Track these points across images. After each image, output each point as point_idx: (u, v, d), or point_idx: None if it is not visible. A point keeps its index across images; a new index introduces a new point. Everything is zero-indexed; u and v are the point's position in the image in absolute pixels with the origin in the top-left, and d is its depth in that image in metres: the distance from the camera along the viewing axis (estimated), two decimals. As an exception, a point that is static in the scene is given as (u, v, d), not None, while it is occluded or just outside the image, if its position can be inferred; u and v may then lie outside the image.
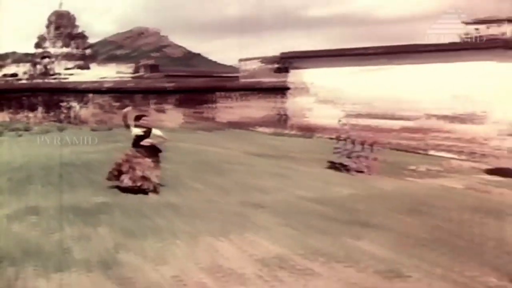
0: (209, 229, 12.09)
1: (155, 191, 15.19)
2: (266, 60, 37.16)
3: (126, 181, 15.13)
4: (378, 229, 13.58)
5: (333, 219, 13.89)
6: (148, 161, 14.18)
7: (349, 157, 22.96)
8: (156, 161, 13.78)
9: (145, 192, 15.02)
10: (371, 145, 23.63)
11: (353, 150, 23.18)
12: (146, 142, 13.77)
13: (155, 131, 13.53)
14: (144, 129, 13.70)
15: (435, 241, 13.15)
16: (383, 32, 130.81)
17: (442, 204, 16.88)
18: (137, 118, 14.54)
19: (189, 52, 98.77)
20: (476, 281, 10.30)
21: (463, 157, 30.27)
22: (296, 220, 13.32)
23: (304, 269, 9.91)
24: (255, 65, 37.25)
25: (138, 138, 13.90)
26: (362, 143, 23.47)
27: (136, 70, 47.16)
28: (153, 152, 13.83)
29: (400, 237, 13.19)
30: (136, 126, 14.69)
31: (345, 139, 23.91)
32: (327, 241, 11.83)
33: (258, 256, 10.54)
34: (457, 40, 37.75)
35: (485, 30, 45.50)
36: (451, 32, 36.85)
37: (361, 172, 22.07)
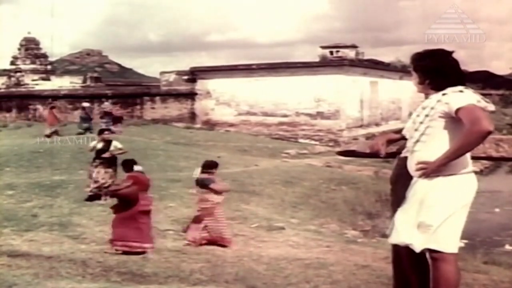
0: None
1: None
2: (180, 72, 37.15)
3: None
4: (262, 196, 13.83)
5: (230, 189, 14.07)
6: (109, 171, 12.90)
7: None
8: (115, 170, 12.62)
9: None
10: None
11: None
12: (107, 154, 12.73)
13: (115, 143, 12.67)
14: (104, 143, 12.73)
15: (302, 203, 13.50)
16: (263, 53, 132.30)
17: (307, 177, 17.26)
18: (100, 132, 13.42)
19: (123, 67, 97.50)
20: (330, 231, 10.66)
21: (323, 143, 30.94)
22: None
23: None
24: (172, 77, 37.19)
25: (100, 151, 12.68)
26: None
27: (84, 81, 46.82)
28: (112, 162, 12.71)
29: (277, 201, 13.47)
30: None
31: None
32: (226, 205, 11.96)
33: (174, 217, 10.66)
34: (316, 59, 38.65)
35: (335, 53, 46.68)
36: (314, 53, 37.66)
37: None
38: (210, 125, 34.74)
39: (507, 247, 9.11)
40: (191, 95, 36.36)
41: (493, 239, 10.86)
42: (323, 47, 48.35)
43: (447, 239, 3.64)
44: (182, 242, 8.64)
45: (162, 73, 38.73)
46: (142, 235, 7.90)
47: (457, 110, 3.54)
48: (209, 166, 8.96)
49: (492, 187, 16.67)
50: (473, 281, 6.30)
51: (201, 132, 31.24)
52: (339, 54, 45.65)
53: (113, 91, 35.24)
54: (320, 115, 33.29)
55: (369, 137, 32.11)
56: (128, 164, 8.62)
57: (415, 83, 4.04)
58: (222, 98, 35.70)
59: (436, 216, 3.62)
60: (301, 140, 31.75)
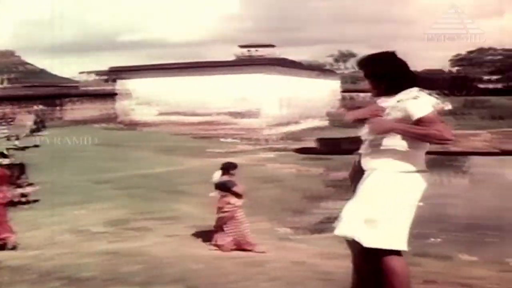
0: (69, 201, 11.77)
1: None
2: (99, 73, 36.63)
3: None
4: (191, 195, 13.71)
5: (159, 189, 13.90)
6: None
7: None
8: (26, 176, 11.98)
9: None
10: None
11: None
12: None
13: None
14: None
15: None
16: (175, 52, 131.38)
17: (233, 175, 17.22)
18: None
19: (37, 68, 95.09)
20: (262, 228, 10.68)
21: (245, 141, 30.95)
22: (132, 191, 13.23)
23: (141, 227, 9.89)
24: (91, 77, 36.60)
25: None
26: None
27: (1, 82, 45.60)
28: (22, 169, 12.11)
29: (207, 201, 13.29)
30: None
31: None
32: (156, 205, 11.86)
33: (106, 219, 10.42)
34: (230, 58, 38.86)
35: (254, 52, 46.90)
36: (228, 52, 37.98)
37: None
38: (131, 125, 34.30)
39: (432, 239, 9.38)
40: (111, 96, 35.82)
41: (420, 233, 11.12)
42: (242, 46, 48.61)
43: (395, 236, 3.63)
44: (117, 244, 8.45)
45: (81, 73, 38.07)
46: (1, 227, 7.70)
47: (417, 120, 3.55)
48: (229, 168, 8.69)
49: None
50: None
51: (122, 132, 30.79)
52: (258, 53, 45.94)
53: (33, 92, 34.25)
54: (240, 114, 33.42)
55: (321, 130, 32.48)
56: None
57: (368, 88, 4.02)
58: (143, 98, 35.32)
59: (383, 212, 3.62)
60: (222, 139, 31.69)
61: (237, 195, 8.42)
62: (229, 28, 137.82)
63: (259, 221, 11.36)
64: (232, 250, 8.25)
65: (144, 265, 7.17)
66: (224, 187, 8.45)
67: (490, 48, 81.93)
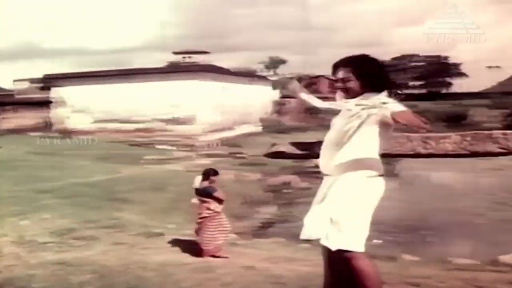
0: (12, 212, 11.52)
1: None
2: (33, 80, 35.84)
3: None
4: (133, 203, 13.67)
5: (100, 198, 13.77)
6: None
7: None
8: None
9: None
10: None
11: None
12: None
13: None
14: None
15: (173, 209, 13.47)
16: (103, 60, 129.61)
17: (172, 182, 17.21)
18: None
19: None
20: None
21: (181, 148, 30.90)
22: (74, 200, 13.04)
23: (87, 236, 9.76)
24: (25, 85, 35.80)
25: None
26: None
27: None
28: None
29: (149, 208, 13.37)
30: None
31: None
32: (100, 214, 11.73)
33: (51, 229, 10.27)
34: (159, 65, 38.91)
35: (188, 59, 46.84)
36: (162, 59, 38.11)
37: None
38: (67, 133, 33.70)
39: (374, 241, 9.63)
40: (46, 104, 35.14)
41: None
42: (176, 53, 48.41)
43: (356, 238, 3.79)
44: (66, 254, 8.35)
45: (15, 81, 37.17)
46: None
47: (393, 113, 3.64)
48: (210, 174, 8.58)
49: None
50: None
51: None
52: (192, 59, 45.88)
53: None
54: (176, 120, 33.35)
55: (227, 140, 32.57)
56: None
57: (346, 88, 4.10)
58: (78, 106, 34.83)
59: (351, 215, 3.76)
60: (158, 146, 31.55)
61: (219, 201, 8.34)
62: (159, 35, 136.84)
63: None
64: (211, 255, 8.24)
65: (95, 274, 7.12)
66: (205, 193, 8.39)
67: (413, 55, 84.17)
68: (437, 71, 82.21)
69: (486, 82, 74.04)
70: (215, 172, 8.66)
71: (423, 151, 5.88)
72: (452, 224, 12.22)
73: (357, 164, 3.84)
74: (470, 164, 21.07)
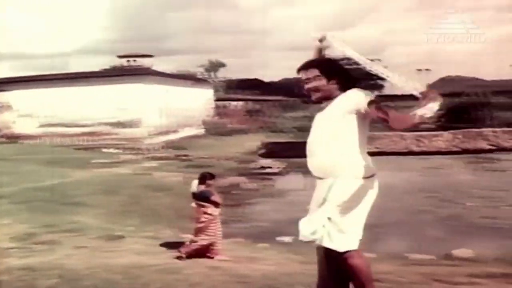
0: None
1: None
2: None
3: None
4: (88, 207, 13.55)
5: (55, 202, 13.61)
6: None
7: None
8: None
9: None
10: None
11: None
12: None
13: None
14: None
15: (128, 212, 13.45)
16: (40, 64, 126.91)
17: (124, 185, 17.18)
18: None
19: None
20: (167, 236, 10.79)
21: (127, 151, 30.66)
22: (30, 205, 12.83)
23: (48, 240, 9.67)
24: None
25: None
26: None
27: None
28: None
29: (105, 211, 13.29)
30: None
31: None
32: (58, 218, 11.61)
33: (12, 235, 10.14)
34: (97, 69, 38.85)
35: (133, 62, 46.46)
36: (99, 63, 37.97)
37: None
38: (13, 138, 33.02)
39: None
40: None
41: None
42: (120, 57, 47.92)
43: (353, 238, 3.91)
44: (30, 259, 8.28)
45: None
46: None
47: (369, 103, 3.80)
48: (207, 178, 8.53)
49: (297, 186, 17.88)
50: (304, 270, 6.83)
51: (5, 146, 29.57)
52: (137, 63, 45.56)
53: None
54: (122, 124, 33.10)
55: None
56: None
57: (316, 87, 4.18)
58: (23, 110, 34.16)
59: (345, 216, 3.86)
60: (104, 150, 31.25)
61: (216, 204, 8.36)
62: (98, 39, 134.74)
63: (161, 229, 11.48)
64: (190, 257, 8.23)
65: (61, 278, 7.07)
66: (202, 197, 8.39)
67: (345, 58, 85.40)
68: (368, 73, 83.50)
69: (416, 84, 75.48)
70: (212, 176, 8.69)
71: (416, 149, 6.11)
72: (402, 221, 12.59)
73: (350, 166, 3.92)
74: (412, 163, 21.83)
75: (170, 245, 9.51)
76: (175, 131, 37.72)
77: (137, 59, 46.25)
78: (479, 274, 6.53)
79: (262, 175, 22.21)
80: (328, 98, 4.13)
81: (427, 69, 79.93)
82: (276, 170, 23.13)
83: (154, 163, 25.08)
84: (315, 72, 4.18)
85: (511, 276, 6.39)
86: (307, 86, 4.21)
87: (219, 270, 7.45)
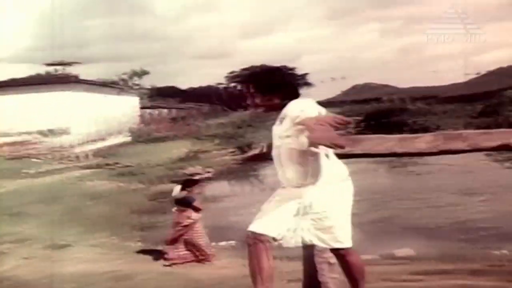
0: None
1: None
2: None
3: None
4: (29, 217, 13.45)
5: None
6: None
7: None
8: None
9: None
10: None
11: None
12: None
13: None
14: None
15: (70, 220, 13.32)
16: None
17: (61, 194, 17.04)
18: None
19: None
20: (111, 244, 10.93)
21: (57, 160, 30.02)
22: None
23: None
24: None
25: None
26: None
27: None
28: None
29: (47, 221, 13.19)
30: None
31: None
32: (1, 229, 11.55)
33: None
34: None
35: (62, 70, 45.66)
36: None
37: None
38: None
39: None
40: None
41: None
42: (48, 64, 46.83)
43: (346, 236, 4.11)
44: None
45: None
46: None
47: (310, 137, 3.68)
48: (189, 183, 8.71)
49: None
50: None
51: None
52: (65, 71, 44.78)
53: None
54: (51, 132, 32.53)
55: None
56: None
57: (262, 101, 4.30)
58: None
59: (333, 217, 4.01)
60: (34, 159, 30.59)
61: (197, 209, 8.54)
62: (19, 47, 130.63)
63: (105, 237, 11.58)
64: (185, 262, 8.36)
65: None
66: (184, 202, 8.56)
67: (262, 65, 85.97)
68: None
69: (331, 91, 76.06)
70: (194, 182, 8.99)
71: (399, 150, 6.44)
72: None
73: (323, 172, 3.96)
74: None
75: (118, 253, 9.74)
76: (103, 139, 37.31)
77: (65, 67, 45.48)
78: (420, 271, 6.95)
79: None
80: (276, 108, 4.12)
81: (342, 78, 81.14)
82: (205, 176, 23.35)
83: (85, 171, 24.91)
84: (250, 88, 4.29)
85: (450, 272, 6.81)
86: (246, 103, 4.39)
87: (172, 275, 7.69)
